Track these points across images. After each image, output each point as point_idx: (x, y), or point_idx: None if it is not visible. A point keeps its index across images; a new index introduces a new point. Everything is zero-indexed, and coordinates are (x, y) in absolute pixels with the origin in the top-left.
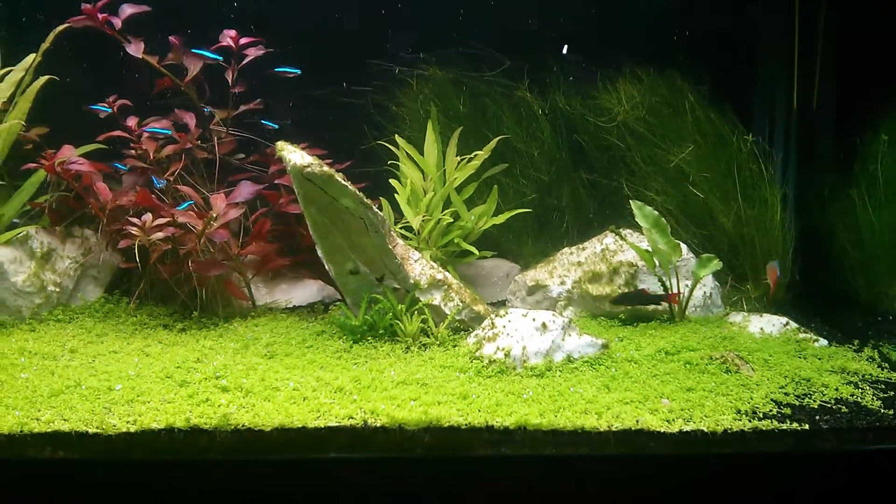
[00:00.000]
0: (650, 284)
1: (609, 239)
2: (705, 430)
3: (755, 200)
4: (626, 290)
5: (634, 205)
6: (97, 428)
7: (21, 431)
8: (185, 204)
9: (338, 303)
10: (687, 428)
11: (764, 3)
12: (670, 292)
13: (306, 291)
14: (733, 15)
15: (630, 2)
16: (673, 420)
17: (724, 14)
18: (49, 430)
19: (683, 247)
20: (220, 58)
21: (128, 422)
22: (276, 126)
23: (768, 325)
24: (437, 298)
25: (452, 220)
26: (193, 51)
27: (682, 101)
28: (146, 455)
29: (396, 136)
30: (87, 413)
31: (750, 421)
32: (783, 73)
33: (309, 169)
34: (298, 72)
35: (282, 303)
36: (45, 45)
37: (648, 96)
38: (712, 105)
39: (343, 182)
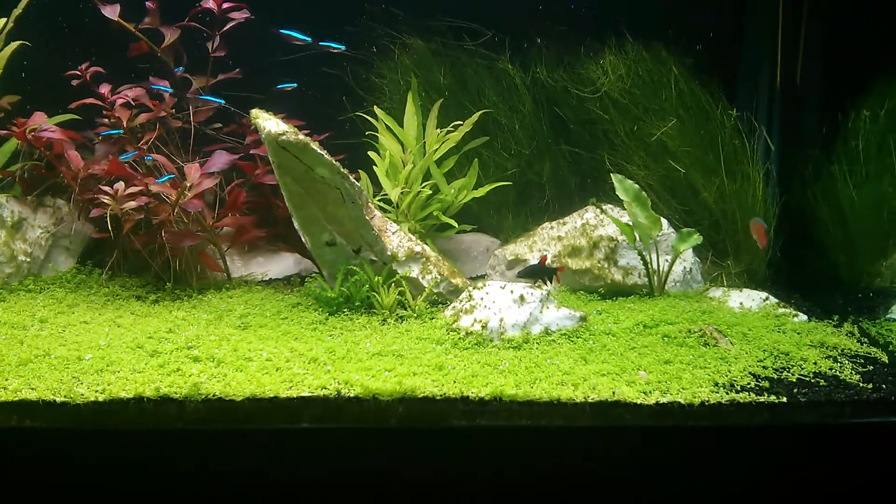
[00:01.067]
0: (630, 259)
1: (590, 213)
2: (682, 402)
3: (737, 176)
4: (602, 265)
5: (615, 178)
6: (65, 397)
7: None
8: (166, 177)
9: (314, 275)
10: (664, 400)
11: None
12: (558, 265)
13: (283, 264)
14: None
15: None
16: (650, 392)
17: None
18: (16, 398)
19: (664, 221)
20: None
21: (97, 391)
22: (294, 84)
23: (748, 299)
24: (414, 271)
25: (432, 193)
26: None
27: (666, 74)
28: (115, 424)
29: (375, 107)
30: (55, 382)
31: (727, 393)
32: (767, 48)
33: (284, 137)
34: (343, 48)
35: (257, 275)
36: (17, 11)
37: (633, 68)
38: (697, 79)
39: (319, 151)
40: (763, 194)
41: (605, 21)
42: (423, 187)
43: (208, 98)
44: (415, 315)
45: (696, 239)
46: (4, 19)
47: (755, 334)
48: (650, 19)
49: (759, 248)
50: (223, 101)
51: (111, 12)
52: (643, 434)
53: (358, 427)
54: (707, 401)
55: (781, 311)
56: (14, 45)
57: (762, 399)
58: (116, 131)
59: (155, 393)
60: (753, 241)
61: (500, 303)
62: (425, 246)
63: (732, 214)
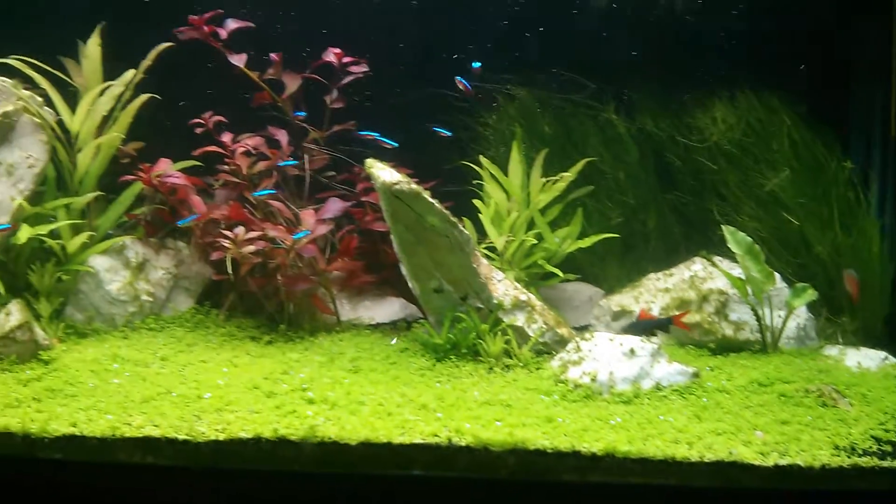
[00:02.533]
0: (741, 314)
1: (698, 265)
2: (802, 464)
3: (853, 229)
4: (712, 319)
5: (727, 230)
6: (187, 435)
7: (113, 435)
8: (302, 234)
9: (420, 321)
10: (782, 462)
11: (862, 28)
12: (674, 315)
13: (389, 309)
14: (832, 39)
15: (726, 24)
16: (767, 453)
17: (823, 38)
18: (140, 434)
19: (777, 276)
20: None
21: (216, 430)
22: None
23: (866, 359)
24: (520, 320)
25: (536, 242)
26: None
27: (778, 123)
28: (234, 464)
29: (481, 156)
30: (177, 420)
31: (849, 457)
32: (881, 99)
33: (397, 186)
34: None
35: (365, 319)
36: (146, 63)
37: (743, 117)
38: (810, 129)
39: (430, 199)
40: (880, 249)
41: (714, 70)
42: (528, 236)
43: (363, 133)
44: (521, 364)
45: (811, 294)
46: (134, 70)
47: (875, 395)
48: (762, 68)
49: (853, 302)
50: (377, 135)
51: (238, 61)
52: (761, 497)
53: (470, 476)
54: (828, 464)
55: None
56: (143, 97)
57: (885, 464)
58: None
59: (273, 434)
60: (870, 297)
61: (609, 355)
62: (531, 295)
63: (847, 269)
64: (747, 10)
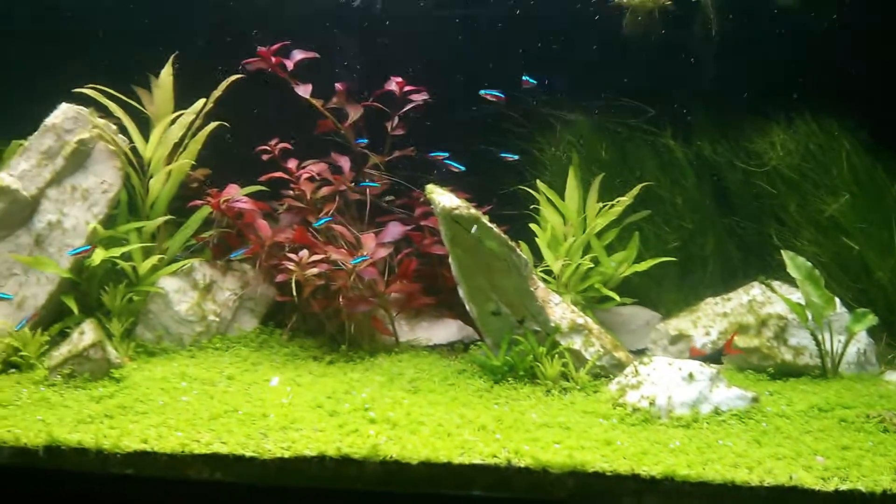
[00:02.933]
0: (801, 338)
1: (756, 290)
2: (863, 490)
3: None
4: (771, 344)
5: (786, 255)
6: (254, 452)
7: (182, 452)
8: (360, 258)
9: (477, 343)
10: (843, 487)
11: None
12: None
13: (446, 330)
14: (892, 64)
15: (785, 50)
16: (828, 478)
17: (884, 62)
18: (209, 451)
19: (837, 300)
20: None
21: (282, 448)
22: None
23: None
24: (577, 343)
25: (592, 266)
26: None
27: (838, 149)
28: (299, 481)
29: (538, 181)
30: (243, 437)
31: None
32: None
33: (457, 211)
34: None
35: (423, 340)
36: (216, 93)
37: (803, 142)
38: (870, 153)
39: (488, 224)
40: None
41: (772, 95)
42: (584, 260)
43: (434, 154)
44: (578, 387)
45: (872, 320)
46: (204, 100)
47: None
48: (822, 93)
49: None
50: (446, 157)
51: (304, 91)
52: None
53: (529, 498)
54: (889, 490)
55: None
56: (213, 125)
57: None
58: None
59: (336, 452)
60: None
61: (667, 379)
62: (588, 318)
63: None
64: (806, 35)
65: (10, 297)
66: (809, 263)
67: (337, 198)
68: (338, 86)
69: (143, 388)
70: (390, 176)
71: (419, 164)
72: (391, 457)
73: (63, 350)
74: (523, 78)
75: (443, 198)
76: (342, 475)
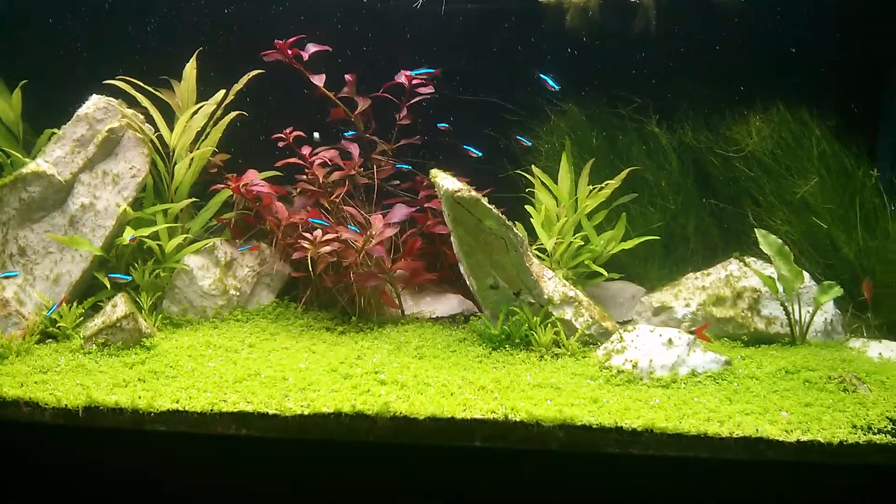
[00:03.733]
0: (773, 309)
1: (733, 265)
2: (822, 440)
3: (877, 232)
4: (745, 314)
5: (759, 233)
6: (276, 410)
7: (211, 410)
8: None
9: (476, 315)
10: (804, 438)
11: (889, 44)
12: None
13: (447, 304)
14: (861, 54)
15: (760, 42)
16: (791, 431)
17: (853, 53)
18: (235, 409)
19: (806, 274)
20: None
21: (302, 405)
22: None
23: (887, 350)
24: (568, 313)
25: (583, 244)
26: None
27: (808, 135)
28: (318, 434)
29: (533, 166)
30: (266, 397)
31: (865, 435)
32: None
33: (459, 193)
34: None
35: (426, 313)
36: (237, 86)
37: (777, 129)
38: (839, 140)
39: (487, 205)
40: None
41: (749, 85)
42: (575, 238)
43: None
44: (569, 353)
45: (837, 292)
46: (224, 91)
47: (893, 382)
48: (794, 82)
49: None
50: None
51: (318, 80)
52: (784, 468)
53: (524, 448)
54: (845, 441)
55: None
56: (232, 114)
57: None
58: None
59: (351, 409)
60: (893, 294)
61: (649, 345)
62: (578, 291)
63: (872, 269)
64: (780, 29)
65: (15, 273)
66: (780, 241)
67: (347, 182)
68: (347, 77)
69: (172, 356)
70: (397, 161)
71: (423, 151)
72: (401, 413)
73: (97, 321)
74: (542, 77)
75: (446, 181)
76: (357, 429)
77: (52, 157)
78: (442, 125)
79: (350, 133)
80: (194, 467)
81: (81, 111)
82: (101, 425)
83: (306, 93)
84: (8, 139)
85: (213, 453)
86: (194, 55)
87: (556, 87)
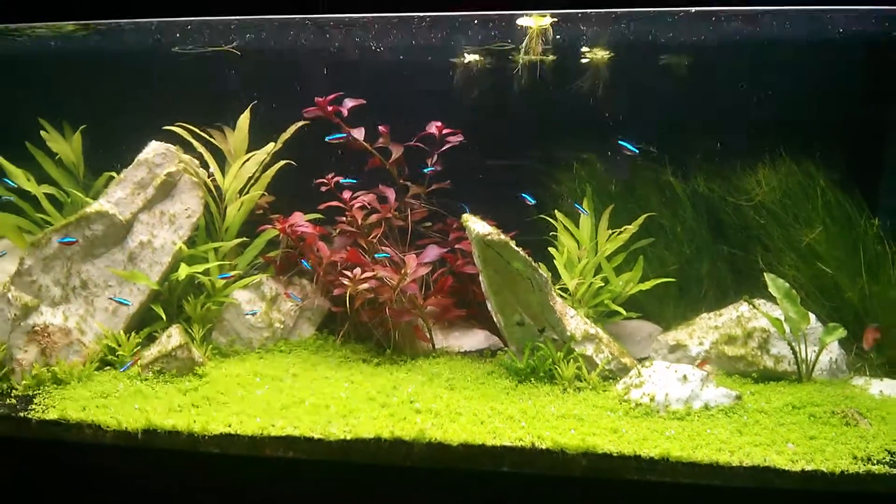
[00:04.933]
0: (780, 348)
1: (744, 307)
2: (825, 470)
3: (880, 278)
4: (755, 353)
5: (768, 277)
6: (321, 434)
7: (261, 434)
8: (383, 255)
9: (502, 349)
10: (809, 468)
11: (888, 102)
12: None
13: (475, 339)
14: (861, 110)
15: (768, 100)
16: (796, 461)
17: (853, 110)
18: (283, 434)
19: (812, 316)
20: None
21: (344, 431)
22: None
23: (888, 388)
24: (589, 350)
25: (603, 284)
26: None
27: (814, 186)
28: (360, 458)
29: (556, 211)
30: (311, 423)
31: (865, 465)
32: None
33: (489, 236)
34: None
35: (455, 347)
36: (285, 136)
37: (784, 181)
38: (841, 190)
39: (515, 248)
40: None
41: (758, 139)
42: (596, 279)
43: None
44: (590, 387)
45: (841, 333)
46: (273, 143)
47: (893, 418)
48: (801, 138)
49: (866, 346)
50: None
51: (358, 134)
52: (790, 496)
53: (549, 474)
54: (847, 470)
55: None
56: (281, 163)
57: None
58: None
59: (390, 435)
60: (894, 335)
61: (665, 380)
62: (598, 329)
63: (874, 312)
64: (786, 89)
65: (127, 302)
66: (787, 284)
67: (383, 223)
68: (381, 128)
69: (222, 383)
70: (430, 205)
71: (453, 195)
72: (435, 439)
73: (153, 350)
74: (621, 143)
75: (477, 225)
76: (395, 453)
77: (114, 198)
78: (428, 169)
79: (350, 181)
80: (245, 487)
81: (142, 156)
82: (158, 447)
83: (341, 143)
84: (68, 179)
85: (261, 474)
86: (248, 108)
87: (636, 151)
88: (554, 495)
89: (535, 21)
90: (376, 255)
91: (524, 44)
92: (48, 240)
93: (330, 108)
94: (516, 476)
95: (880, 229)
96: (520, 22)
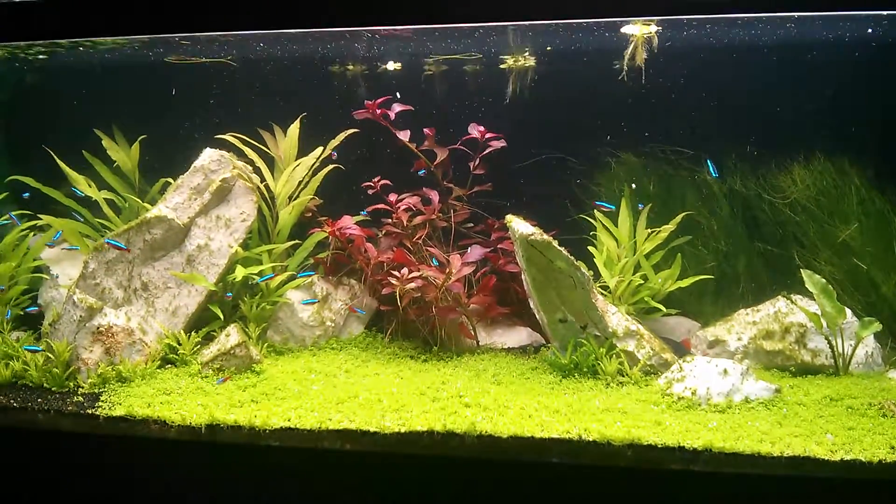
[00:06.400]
0: (818, 343)
1: (781, 303)
2: (863, 459)
3: None
4: (792, 347)
5: (805, 273)
6: (376, 427)
7: (319, 428)
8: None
9: (545, 346)
10: (848, 457)
11: None
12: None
13: (517, 336)
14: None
15: (803, 99)
16: (835, 451)
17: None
18: (340, 427)
19: (848, 311)
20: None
21: (398, 424)
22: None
23: None
24: (630, 346)
25: (642, 282)
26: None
27: (848, 183)
28: (413, 450)
29: (596, 210)
30: (366, 417)
31: None
32: None
33: (532, 236)
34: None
35: (499, 344)
36: (334, 142)
37: (819, 178)
38: (876, 187)
39: (558, 247)
40: None
41: (793, 138)
42: (635, 277)
43: (599, 203)
44: (632, 382)
45: (877, 327)
46: (322, 148)
47: None
48: (836, 135)
49: None
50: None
51: (404, 136)
52: (830, 484)
53: (596, 464)
54: (884, 460)
55: None
56: (329, 167)
57: None
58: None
59: (442, 428)
60: None
61: (706, 374)
62: (639, 325)
63: None
64: (819, 87)
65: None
66: (823, 280)
67: (427, 225)
68: (426, 131)
69: (279, 380)
70: (471, 206)
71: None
72: (486, 432)
73: (213, 349)
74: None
75: (520, 225)
76: (447, 445)
77: (172, 204)
78: (422, 172)
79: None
80: (305, 479)
81: (198, 163)
82: (221, 441)
83: (389, 145)
84: (125, 186)
85: (318, 465)
86: (298, 118)
87: (716, 175)
88: (601, 485)
89: (639, 28)
90: (432, 262)
91: (628, 50)
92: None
93: (378, 112)
94: (564, 466)
95: None
96: (624, 29)
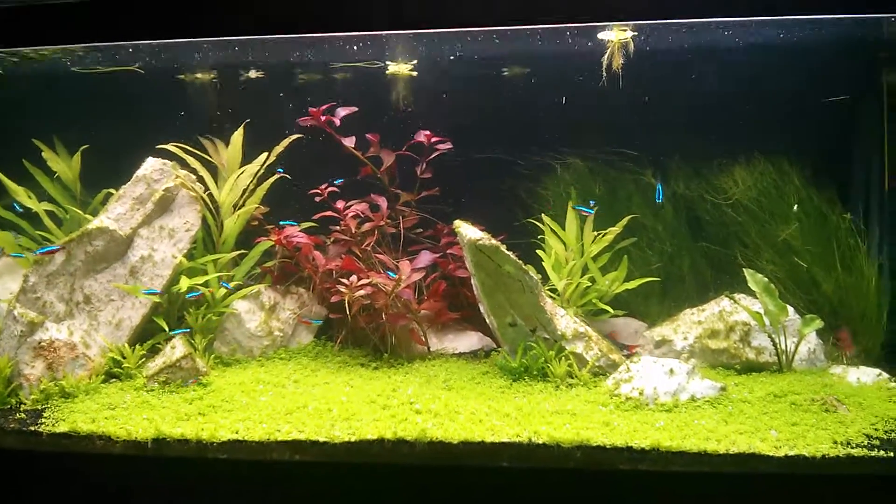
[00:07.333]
0: (761, 340)
1: (725, 302)
2: (807, 455)
3: (853, 270)
4: (737, 345)
5: (747, 272)
6: (326, 437)
7: (268, 439)
8: (392, 273)
9: (496, 350)
10: (792, 453)
11: (855, 101)
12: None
13: (469, 341)
14: (832, 108)
15: (744, 101)
16: (780, 447)
17: (825, 107)
18: (289, 438)
19: (790, 309)
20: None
21: (348, 433)
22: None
23: (864, 375)
24: (579, 348)
25: (590, 284)
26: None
27: (788, 183)
28: (363, 459)
29: (543, 214)
30: (316, 426)
31: (844, 449)
32: (877, 159)
33: (481, 241)
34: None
35: (450, 349)
36: (278, 148)
37: (759, 179)
38: (814, 187)
39: (506, 252)
40: (876, 286)
41: (733, 139)
42: (583, 279)
43: (580, 208)
44: (581, 383)
45: (818, 324)
46: (266, 154)
47: (869, 403)
48: (775, 137)
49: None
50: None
51: (349, 142)
52: (775, 480)
53: (545, 467)
54: (827, 454)
55: (892, 384)
56: (276, 175)
57: (873, 454)
58: None
59: (393, 435)
60: (868, 325)
61: (653, 374)
62: (587, 327)
63: (849, 303)
64: (761, 90)
65: (157, 291)
66: (766, 279)
67: (376, 231)
68: (370, 137)
69: (226, 392)
70: (419, 211)
71: (442, 201)
72: (436, 438)
73: (158, 362)
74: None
75: (468, 230)
76: (398, 453)
77: (114, 214)
78: (338, 181)
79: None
80: (254, 491)
81: (140, 172)
82: (168, 455)
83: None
84: (66, 197)
85: (269, 476)
86: (242, 125)
87: (660, 200)
88: (551, 488)
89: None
90: (388, 274)
91: (606, 56)
92: (51, 257)
93: (323, 118)
94: (515, 470)
95: (852, 224)
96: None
